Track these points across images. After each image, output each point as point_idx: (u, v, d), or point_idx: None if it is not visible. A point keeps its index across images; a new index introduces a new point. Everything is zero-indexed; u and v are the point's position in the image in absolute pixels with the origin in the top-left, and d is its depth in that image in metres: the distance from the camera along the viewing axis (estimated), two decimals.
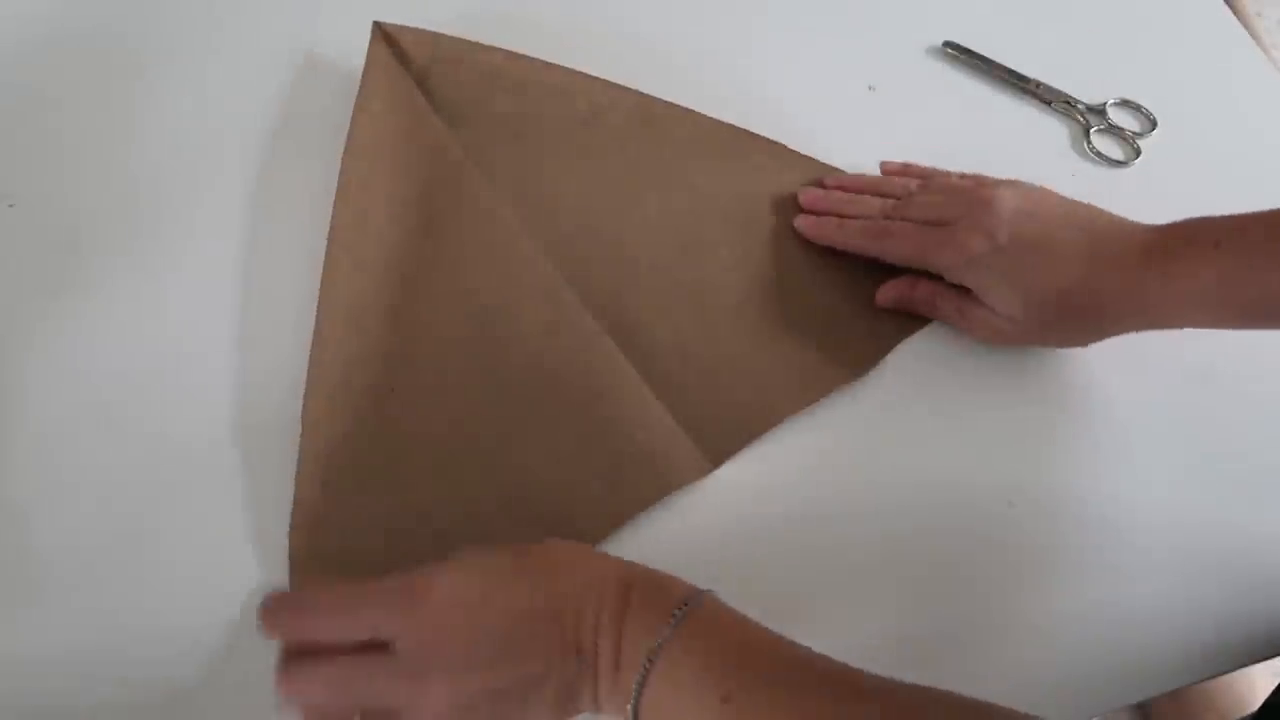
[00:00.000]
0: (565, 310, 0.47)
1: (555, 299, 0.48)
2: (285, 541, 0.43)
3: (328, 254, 0.47)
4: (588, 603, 0.36)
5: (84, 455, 0.44)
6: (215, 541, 0.43)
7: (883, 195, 0.51)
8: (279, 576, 0.42)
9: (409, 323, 0.47)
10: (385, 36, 0.52)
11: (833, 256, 0.51)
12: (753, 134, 0.54)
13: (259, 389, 0.46)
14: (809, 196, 0.52)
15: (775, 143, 0.54)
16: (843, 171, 0.54)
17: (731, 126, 0.54)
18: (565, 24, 0.56)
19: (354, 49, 0.52)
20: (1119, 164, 0.57)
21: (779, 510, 0.45)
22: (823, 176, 0.53)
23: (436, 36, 0.53)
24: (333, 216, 0.48)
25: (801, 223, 0.51)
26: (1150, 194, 0.53)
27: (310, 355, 0.45)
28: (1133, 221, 0.45)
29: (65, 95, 0.54)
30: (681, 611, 0.35)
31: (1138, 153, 0.57)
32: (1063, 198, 0.47)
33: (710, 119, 0.54)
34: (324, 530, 0.43)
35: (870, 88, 0.56)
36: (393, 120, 0.50)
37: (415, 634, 0.36)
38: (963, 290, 0.47)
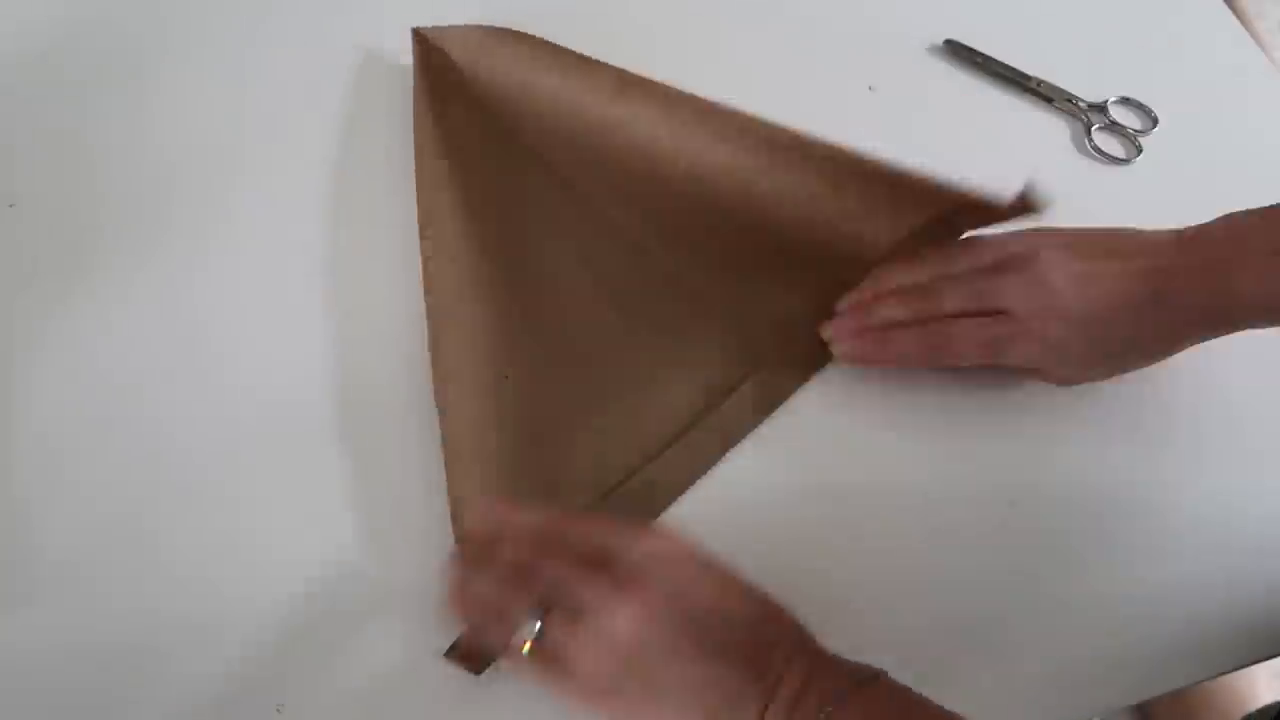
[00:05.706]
0: (642, 258, 0.50)
1: (634, 253, 0.50)
2: (285, 541, 0.43)
3: (421, 255, 0.48)
4: (783, 634, 0.37)
5: (84, 455, 0.44)
6: (215, 542, 0.43)
7: (900, 297, 0.47)
8: (279, 576, 0.42)
9: (508, 303, 0.48)
10: (425, 41, 0.53)
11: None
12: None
13: (259, 390, 0.46)
14: (835, 328, 0.48)
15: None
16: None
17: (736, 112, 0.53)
18: (560, 26, 0.56)
19: (371, 44, 0.52)
20: (1120, 162, 0.57)
21: (778, 511, 0.45)
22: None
23: (471, 31, 0.53)
24: (418, 218, 0.49)
25: (840, 352, 0.47)
26: (1152, 192, 0.53)
27: (429, 349, 0.46)
28: (1165, 236, 0.44)
29: (66, 95, 0.54)
30: (863, 675, 0.35)
31: (1139, 150, 0.57)
32: (1092, 234, 0.45)
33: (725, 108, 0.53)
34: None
35: (870, 88, 0.56)
36: (450, 119, 0.51)
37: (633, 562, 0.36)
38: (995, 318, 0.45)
